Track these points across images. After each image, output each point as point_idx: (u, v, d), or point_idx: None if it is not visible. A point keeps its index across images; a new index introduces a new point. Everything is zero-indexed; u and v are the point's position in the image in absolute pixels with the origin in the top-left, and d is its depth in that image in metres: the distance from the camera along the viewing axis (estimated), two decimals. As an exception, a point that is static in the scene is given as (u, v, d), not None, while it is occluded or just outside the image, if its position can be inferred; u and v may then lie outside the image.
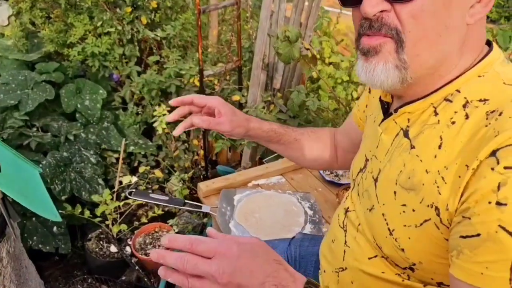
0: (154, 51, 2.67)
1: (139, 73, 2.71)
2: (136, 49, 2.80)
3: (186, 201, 1.49)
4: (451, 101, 0.65)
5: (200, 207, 1.49)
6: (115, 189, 2.38)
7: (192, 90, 2.45)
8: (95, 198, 2.27)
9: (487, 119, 0.60)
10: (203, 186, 1.58)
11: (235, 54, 2.27)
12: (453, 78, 0.66)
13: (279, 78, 2.17)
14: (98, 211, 2.22)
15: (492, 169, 0.54)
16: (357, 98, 1.91)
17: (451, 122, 0.64)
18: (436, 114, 0.66)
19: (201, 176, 2.37)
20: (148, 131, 2.91)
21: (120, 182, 2.42)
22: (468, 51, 0.66)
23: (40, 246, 2.18)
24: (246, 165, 1.93)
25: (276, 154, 1.83)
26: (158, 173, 2.54)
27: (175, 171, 2.89)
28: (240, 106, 2.35)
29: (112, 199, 2.32)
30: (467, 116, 0.62)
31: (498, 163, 0.54)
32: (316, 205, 1.54)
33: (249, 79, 2.39)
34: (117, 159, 2.56)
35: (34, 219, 2.22)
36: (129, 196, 1.42)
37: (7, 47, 2.91)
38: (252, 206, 1.52)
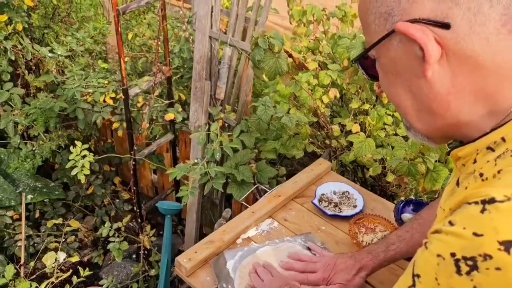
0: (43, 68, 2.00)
1: (20, 96, 2.02)
2: (5, 62, 2.06)
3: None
4: (493, 150, 0.55)
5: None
6: (21, 261, 1.75)
7: (106, 111, 1.90)
8: (-5, 281, 1.63)
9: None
10: (184, 262, 1.15)
11: (161, 61, 1.78)
12: (505, 119, 0.55)
13: (222, 87, 1.76)
14: (3, 299, 1.60)
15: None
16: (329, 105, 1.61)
17: (479, 174, 0.54)
18: (474, 162, 0.58)
19: (138, 220, 1.87)
20: (44, 168, 2.25)
21: (26, 248, 1.79)
22: None
23: None
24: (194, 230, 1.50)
25: (252, 188, 1.45)
26: (75, 223, 1.95)
27: (90, 211, 2.31)
28: (174, 124, 1.89)
29: (17, 275, 1.71)
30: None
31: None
32: (328, 249, 1.24)
33: (180, 90, 1.93)
34: (13, 217, 1.89)
35: None
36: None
37: None
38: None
